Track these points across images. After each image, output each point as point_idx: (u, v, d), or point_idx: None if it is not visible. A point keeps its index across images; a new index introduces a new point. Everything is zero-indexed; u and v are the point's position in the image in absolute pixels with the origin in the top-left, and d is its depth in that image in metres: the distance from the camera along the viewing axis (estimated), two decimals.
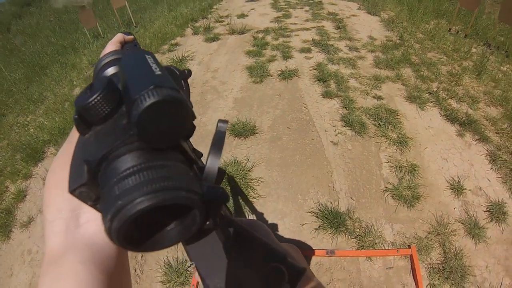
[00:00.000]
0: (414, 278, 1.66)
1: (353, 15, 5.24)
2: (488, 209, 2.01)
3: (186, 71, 0.28)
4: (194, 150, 0.27)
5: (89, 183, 0.20)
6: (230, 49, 4.05)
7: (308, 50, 3.82)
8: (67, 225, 0.25)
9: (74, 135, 0.28)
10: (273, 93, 3.03)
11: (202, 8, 6.02)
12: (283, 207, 1.93)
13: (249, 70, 3.39)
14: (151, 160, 0.18)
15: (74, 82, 4.22)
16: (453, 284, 1.68)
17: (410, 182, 2.05)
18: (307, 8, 5.67)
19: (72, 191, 0.21)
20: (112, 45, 0.36)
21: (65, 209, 0.25)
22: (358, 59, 3.57)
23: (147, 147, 0.19)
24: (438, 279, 1.68)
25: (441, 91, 2.97)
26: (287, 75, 3.26)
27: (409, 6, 5.69)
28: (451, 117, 2.61)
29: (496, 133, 2.61)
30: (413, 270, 1.68)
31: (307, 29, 4.53)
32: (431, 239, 1.80)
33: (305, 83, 3.13)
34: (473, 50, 4.24)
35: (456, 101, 2.87)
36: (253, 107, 2.84)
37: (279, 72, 3.35)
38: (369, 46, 3.94)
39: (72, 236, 0.24)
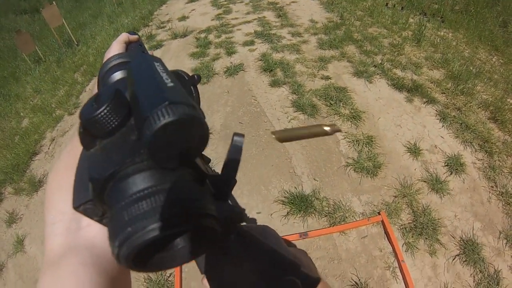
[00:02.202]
0: (389, 241, 2.00)
1: (293, 2, 5.97)
2: (446, 164, 2.49)
3: (195, 76, 0.31)
4: (202, 156, 0.29)
5: (95, 200, 0.23)
6: (174, 54, 4.43)
7: (252, 43, 4.31)
8: (68, 227, 0.28)
9: (76, 139, 0.31)
10: (221, 91, 3.35)
11: (143, 16, 6.45)
12: (249, 201, 2.16)
13: (195, 72, 3.69)
14: (163, 182, 0.20)
15: (21, 114, 4.33)
16: (427, 239, 2.06)
17: (369, 153, 2.46)
18: (247, 1, 6.41)
19: (76, 207, 0.23)
20: (116, 45, 0.42)
21: (66, 211, 0.28)
22: (301, 44, 4.10)
23: (158, 167, 0.21)
24: (412, 236, 2.05)
25: (386, 63, 3.57)
26: (233, 71, 3.66)
27: None
28: (398, 85, 3.17)
29: (442, 93, 3.23)
30: (387, 234, 2.02)
31: (249, 22, 5.10)
32: (398, 202, 2.18)
33: (251, 76, 3.53)
34: (411, 20, 5.13)
35: (401, 70, 3.48)
36: (203, 109, 3.04)
37: (224, 69, 3.75)
38: (311, 30, 4.53)
39: (73, 238, 0.27)
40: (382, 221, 2.05)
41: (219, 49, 4.27)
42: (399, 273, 1.94)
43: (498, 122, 3.07)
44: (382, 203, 2.17)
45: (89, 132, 0.23)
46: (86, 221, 0.28)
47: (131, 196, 0.19)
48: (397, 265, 1.96)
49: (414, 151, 2.50)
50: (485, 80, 3.77)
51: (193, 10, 6.37)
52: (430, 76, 3.46)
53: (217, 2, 6.58)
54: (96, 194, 0.22)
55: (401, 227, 2.08)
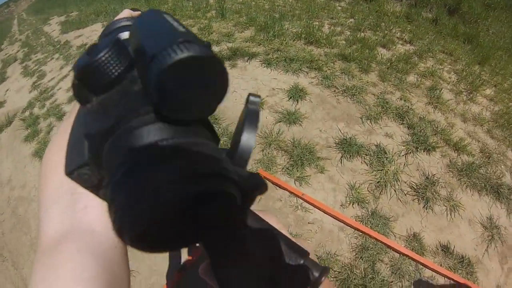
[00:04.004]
0: (282, 188, 2.19)
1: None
2: (290, 97, 2.91)
3: (205, 42, 0.33)
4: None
5: (91, 163, 0.21)
6: (8, 148, 4.19)
7: None
8: (64, 211, 0.28)
9: (74, 112, 0.31)
10: None
11: None
12: None
13: (38, 155, 3.61)
14: (175, 136, 0.19)
15: None
16: (310, 163, 2.36)
17: (219, 130, 2.67)
18: (57, 55, 6.46)
19: (69, 172, 0.22)
20: None
21: (62, 193, 0.29)
22: None
23: (167, 119, 0.19)
24: (297, 170, 2.31)
25: None
26: None
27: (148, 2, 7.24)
28: None
29: (259, 45, 3.75)
30: (275, 184, 2.21)
31: (66, 76, 5.14)
32: (268, 153, 2.43)
33: None
34: (211, 1, 5.79)
35: (216, 46, 3.89)
36: None
37: None
38: None
39: (70, 223, 0.28)
40: (264, 177, 2.22)
41: (48, 119, 4.18)
42: (308, 205, 2.15)
43: (313, 43, 3.74)
44: (255, 163, 2.36)
45: (84, 85, 0.22)
46: (83, 203, 0.28)
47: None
48: (302, 201, 2.16)
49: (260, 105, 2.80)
50: (289, 18, 4.54)
51: (8, 90, 6.22)
52: (244, 37, 3.96)
53: (28, 71, 6.48)
54: (93, 154, 0.21)
55: (284, 170, 2.32)
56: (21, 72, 6.71)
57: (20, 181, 3.49)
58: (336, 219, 2.09)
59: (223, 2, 5.07)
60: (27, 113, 4.71)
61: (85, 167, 0.22)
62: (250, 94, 0.24)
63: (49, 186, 0.30)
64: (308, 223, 2.10)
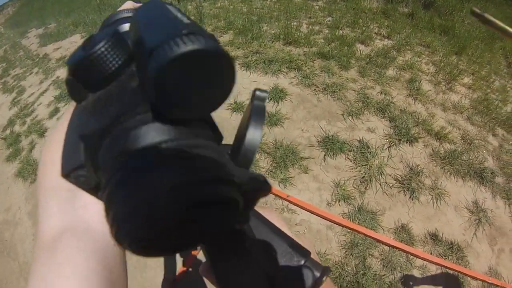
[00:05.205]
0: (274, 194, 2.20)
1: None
2: (270, 98, 2.92)
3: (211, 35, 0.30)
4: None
5: (88, 165, 0.20)
6: None
7: (56, 110, 4.29)
8: (63, 208, 0.28)
9: (71, 109, 0.31)
10: None
11: None
12: None
13: (21, 175, 3.53)
14: (173, 137, 0.18)
15: None
16: (293, 164, 2.38)
17: None
18: (36, 69, 6.37)
19: (66, 174, 0.21)
20: None
21: (61, 188, 0.28)
22: None
23: (166, 118, 0.18)
24: (281, 172, 2.31)
25: None
26: None
27: None
28: None
29: (238, 48, 3.78)
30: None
31: (46, 91, 5.07)
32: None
33: None
34: (189, 7, 5.81)
35: None
36: None
37: None
38: None
39: (69, 220, 0.28)
40: None
41: (30, 136, 4.11)
42: (294, 207, 2.15)
43: (292, 43, 3.78)
44: None
45: (79, 81, 0.21)
46: (83, 199, 0.28)
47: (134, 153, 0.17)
48: (287, 203, 2.17)
49: (237, 108, 2.84)
50: (267, 20, 4.58)
51: None
52: (222, 42, 3.98)
53: (7, 87, 6.35)
54: (89, 155, 0.20)
55: (267, 173, 2.33)
56: (0, 89, 6.62)
57: (4, 204, 3.40)
58: (323, 218, 2.10)
59: (201, 7, 5.10)
60: (8, 132, 4.65)
61: (82, 169, 0.21)
62: (256, 89, 0.23)
63: (47, 182, 0.30)
64: (296, 224, 2.11)
